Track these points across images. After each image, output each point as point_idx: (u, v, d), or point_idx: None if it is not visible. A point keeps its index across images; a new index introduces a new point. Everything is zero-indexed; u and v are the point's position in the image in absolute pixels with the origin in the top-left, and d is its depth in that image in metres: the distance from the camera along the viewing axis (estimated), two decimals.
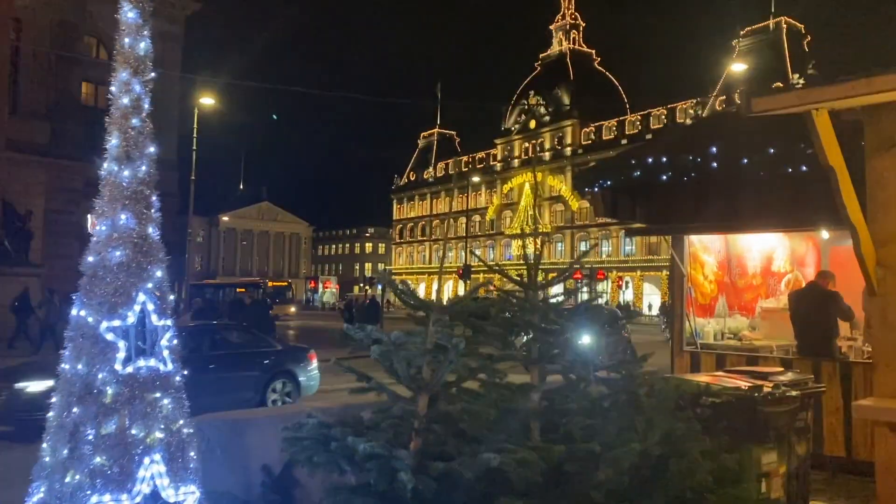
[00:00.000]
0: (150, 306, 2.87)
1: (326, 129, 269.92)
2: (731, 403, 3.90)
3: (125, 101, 3.14)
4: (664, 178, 5.68)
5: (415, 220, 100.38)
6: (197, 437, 2.93)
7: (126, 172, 3.22)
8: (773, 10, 63.29)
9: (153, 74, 3.08)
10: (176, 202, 35.32)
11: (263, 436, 3.25)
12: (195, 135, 26.56)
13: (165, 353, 2.90)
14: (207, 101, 27.59)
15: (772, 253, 8.92)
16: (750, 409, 3.89)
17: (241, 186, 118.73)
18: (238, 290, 55.30)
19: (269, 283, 58.45)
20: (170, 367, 2.90)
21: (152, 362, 2.84)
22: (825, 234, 9.10)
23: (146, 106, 3.14)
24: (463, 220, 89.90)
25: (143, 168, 3.28)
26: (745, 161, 5.22)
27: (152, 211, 3.19)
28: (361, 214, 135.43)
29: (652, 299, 63.47)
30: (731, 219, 6.47)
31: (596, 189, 6.00)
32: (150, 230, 3.09)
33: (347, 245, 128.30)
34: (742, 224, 6.67)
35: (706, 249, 7.68)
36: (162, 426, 2.79)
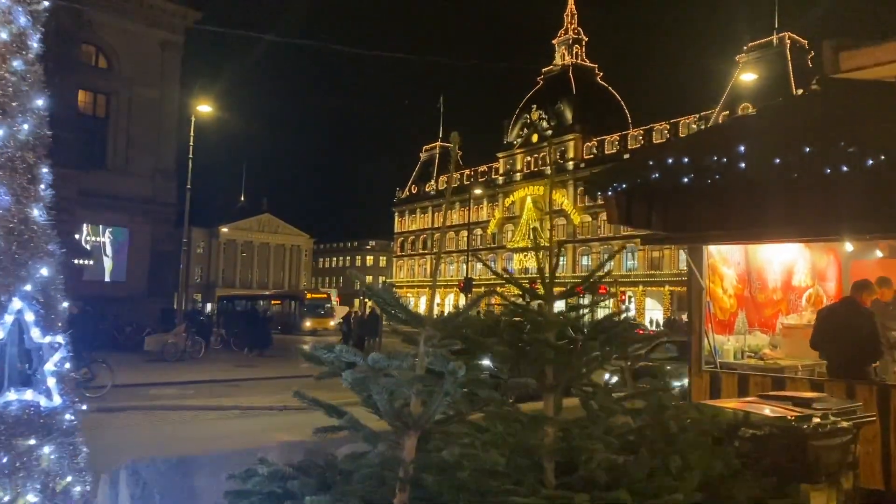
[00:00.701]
0: (30, 317, 2.08)
1: (328, 142, 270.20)
2: (776, 436, 3.35)
3: (2, 35, 2.21)
4: (685, 180, 5.14)
5: (416, 234, 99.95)
6: (130, 482, 2.34)
7: None
8: (776, 26, 63.06)
9: (47, 3, 2.24)
10: (174, 212, 34.89)
11: (217, 477, 2.64)
12: (191, 143, 26.10)
13: (51, 381, 2.09)
14: (205, 108, 27.14)
15: (793, 266, 8.37)
16: (798, 443, 3.34)
17: (242, 198, 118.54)
18: (273, 302, 55.55)
19: (308, 295, 56.15)
20: (56, 401, 2.09)
21: (28, 395, 2.04)
22: (849, 246, 8.56)
23: (34, 45, 2.27)
24: (464, 233, 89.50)
25: (26, 127, 2.44)
26: (778, 161, 4.69)
27: (40, 187, 2.43)
28: (362, 227, 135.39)
29: (654, 315, 62.83)
30: (757, 226, 5.93)
31: (610, 193, 5.47)
32: (35, 213, 2.37)
33: (348, 258, 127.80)
34: (768, 232, 6.13)
35: (725, 261, 7.13)
36: (38, 486, 2.00)
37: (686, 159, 5.14)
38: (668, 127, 69.14)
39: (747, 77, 62.19)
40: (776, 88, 55.73)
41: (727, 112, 62.19)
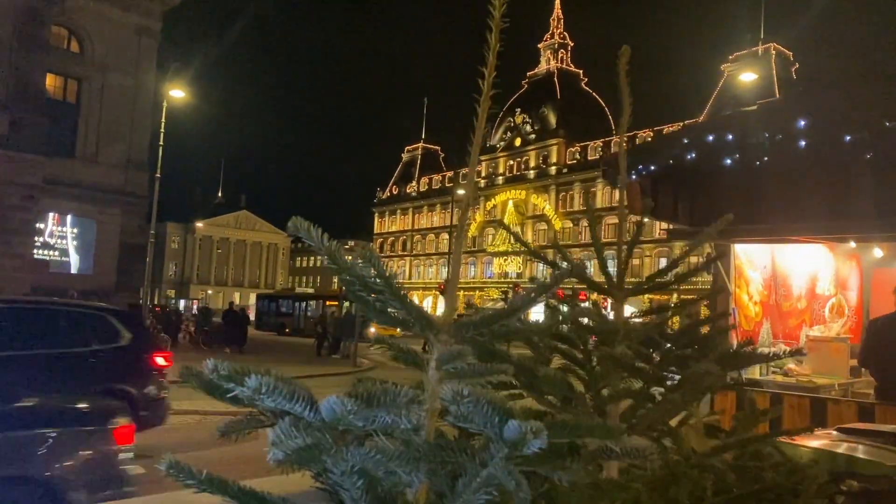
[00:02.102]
0: None
1: (309, 141, 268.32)
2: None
3: None
4: (728, 161, 4.29)
5: (396, 235, 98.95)
6: None
7: None
8: (762, 36, 63.09)
9: None
10: (147, 204, 33.52)
11: None
12: (162, 129, 24.91)
13: None
14: (178, 93, 25.94)
15: (817, 272, 7.55)
16: None
17: (220, 194, 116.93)
18: (329, 303, 46.15)
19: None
20: None
21: None
22: (878, 251, 7.77)
23: None
24: (444, 235, 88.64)
25: None
26: (849, 139, 3.84)
27: None
28: (342, 227, 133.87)
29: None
30: (800, 221, 5.06)
31: (633, 176, 4.59)
32: None
33: (326, 258, 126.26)
34: (815, 227, 5.24)
35: (752, 263, 6.29)
36: None
37: (731, 136, 4.27)
38: (651, 134, 68.77)
39: (732, 87, 62.17)
40: (761, 98, 55.50)
41: None
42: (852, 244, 6.91)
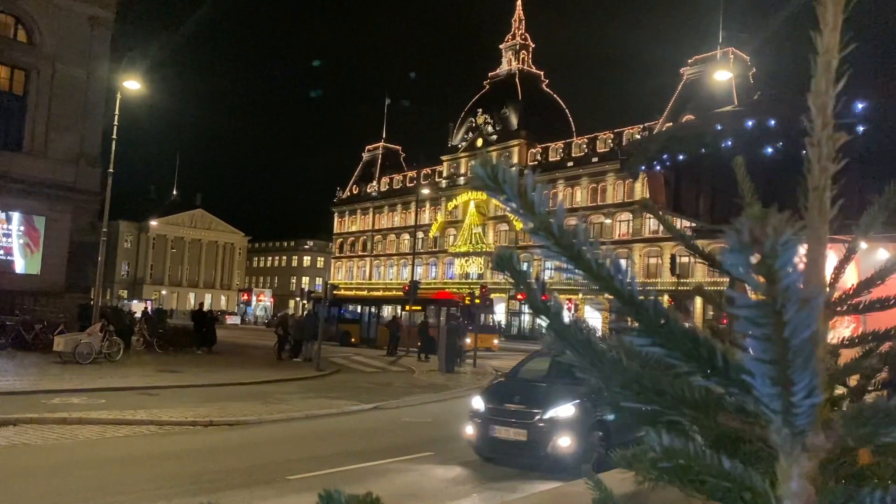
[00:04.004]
0: None
1: (267, 140, 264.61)
2: None
3: None
4: (769, 150, 3.82)
5: (356, 235, 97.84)
6: None
7: None
8: (720, 40, 63.84)
9: None
10: (99, 201, 32.09)
11: None
12: (115, 122, 23.78)
13: None
14: (133, 84, 24.82)
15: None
16: None
17: (175, 192, 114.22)
18: (410, 308, 35.93)
19: (466, 301, 37.03)
20: None
21: None
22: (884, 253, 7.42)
23: None
24: (405, 236, 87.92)
25: None
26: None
27: None
28: (300, 227, 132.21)
29: (594, 324, 62.44)
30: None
31: (657, 167, 4.08)
32: None
33: (284, 257, 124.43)
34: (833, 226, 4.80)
35: None
36: None
37: (773, 122, 3.79)
38: (611, 136, 69.19)
39: (691, 90, 62.84)
40: (719, 101, 56.14)
41: (671, 123, 62.48)
42: (863, 245, 6.54)
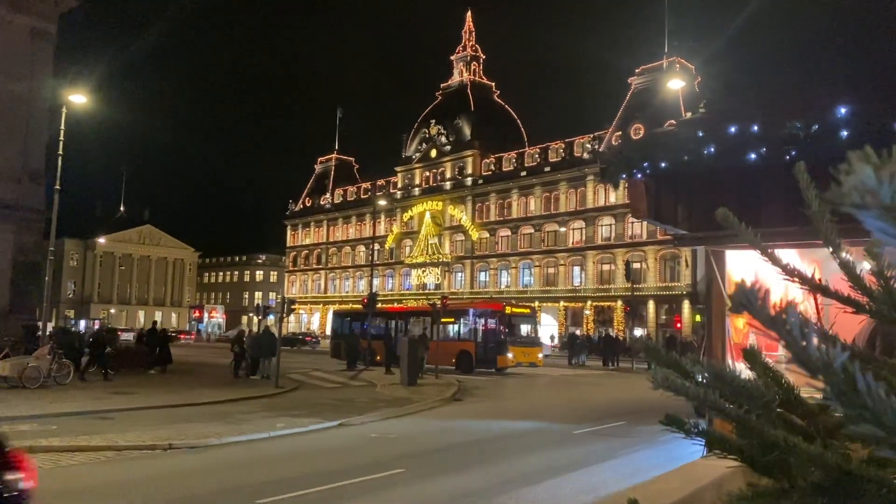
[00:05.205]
0: None
1: (217, 152, 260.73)
2: None
3: None
4: (752, 156, 3.81)
5: (310, 248, 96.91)
6: None
7: None
8: (666, 50, 65.26)
9: None
10: (43, 219, 30.98)
11: None
12: (61, 137, 23.05)
13: None
14: (78, 98, 24.11)
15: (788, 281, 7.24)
16: None
17: (122, 208, 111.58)
18: (442, 320, 32.34)
19: (509, 309, 34.97)
20: None
21: None
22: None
23: None
24: (360, 247, 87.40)
25: None
26: None
27: None
28: (252, 241, 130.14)
29: (551, 331, 62.87)
30: (798, 224, 4.65)
31: (639, 175, 4.06)
32: None
33: (236, 272, 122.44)
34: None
35: (739, 272, 5.88)
36: None
37: (755, 128, 3.79)
38: (563, 146, 69.96)
39: (639, 99, 64.02)
40: (667, 110, 57.30)
41: (619, 133, 63.49)
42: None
